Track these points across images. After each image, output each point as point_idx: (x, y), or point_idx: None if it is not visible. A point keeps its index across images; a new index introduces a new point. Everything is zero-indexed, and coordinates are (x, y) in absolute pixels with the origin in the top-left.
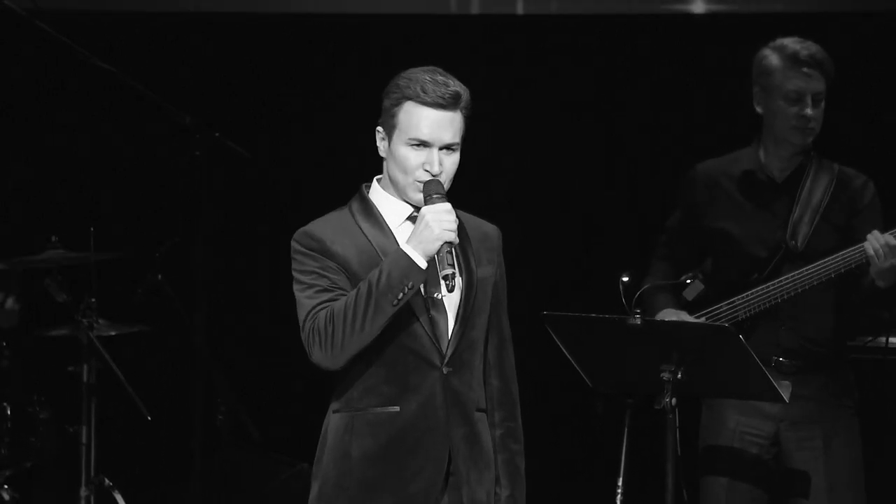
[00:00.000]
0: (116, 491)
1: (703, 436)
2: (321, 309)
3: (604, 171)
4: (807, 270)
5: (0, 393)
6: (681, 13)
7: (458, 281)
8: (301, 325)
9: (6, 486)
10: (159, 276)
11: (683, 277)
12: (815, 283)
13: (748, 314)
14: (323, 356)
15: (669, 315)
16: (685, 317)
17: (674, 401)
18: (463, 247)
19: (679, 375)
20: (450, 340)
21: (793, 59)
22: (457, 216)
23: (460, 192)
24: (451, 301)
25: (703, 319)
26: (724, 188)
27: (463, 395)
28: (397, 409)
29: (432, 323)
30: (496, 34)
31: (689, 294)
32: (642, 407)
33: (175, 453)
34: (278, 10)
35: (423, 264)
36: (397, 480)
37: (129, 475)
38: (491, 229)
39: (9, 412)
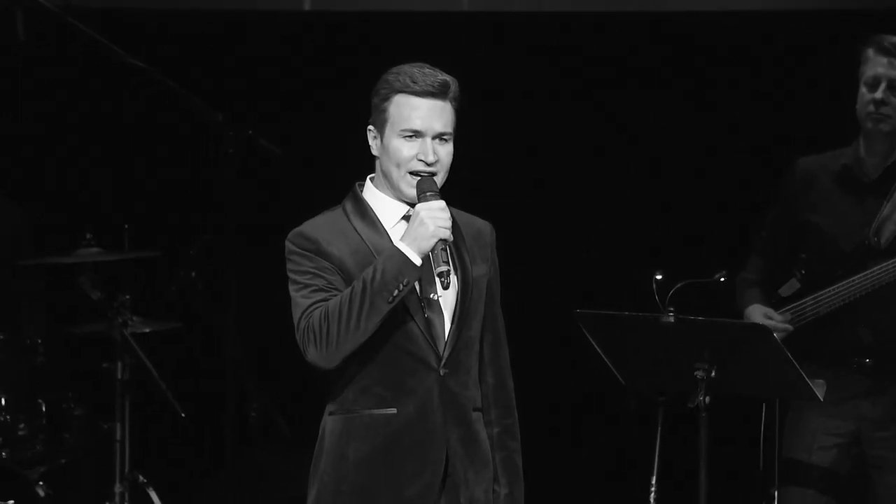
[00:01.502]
0: (150, 487)
1: (786, 444)
2: (315, 308)
3: (615, 168)
4: (887, 266)
5: (35, 390)
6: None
7: (453, 278)
8: (296, 324)
9: (41, 483)
10: (193, 274)
11: (717, 275)
12: (893, 278)
13: (829, 309)
14: (318, 355)
15: (756, 311)
16: (771, 313)
17: (707, 399)
18: (457, 245)
19: (713, 374)
20: (446, 342)
21: (878, 47)
22: (450, 213)
23: (483, 187)
24: (447, 302)
25: (788, 315)
26: (820, 182)
27: (460, 396)
28: (394, 410)
29: (428, 324)
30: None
31: (785, 291)
32: (675, 405)
33: (208, 450)
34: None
35: (417, 261)
36: (394, 483)
37: (163, 471)
38: (483, 225)
39: (44, 409)
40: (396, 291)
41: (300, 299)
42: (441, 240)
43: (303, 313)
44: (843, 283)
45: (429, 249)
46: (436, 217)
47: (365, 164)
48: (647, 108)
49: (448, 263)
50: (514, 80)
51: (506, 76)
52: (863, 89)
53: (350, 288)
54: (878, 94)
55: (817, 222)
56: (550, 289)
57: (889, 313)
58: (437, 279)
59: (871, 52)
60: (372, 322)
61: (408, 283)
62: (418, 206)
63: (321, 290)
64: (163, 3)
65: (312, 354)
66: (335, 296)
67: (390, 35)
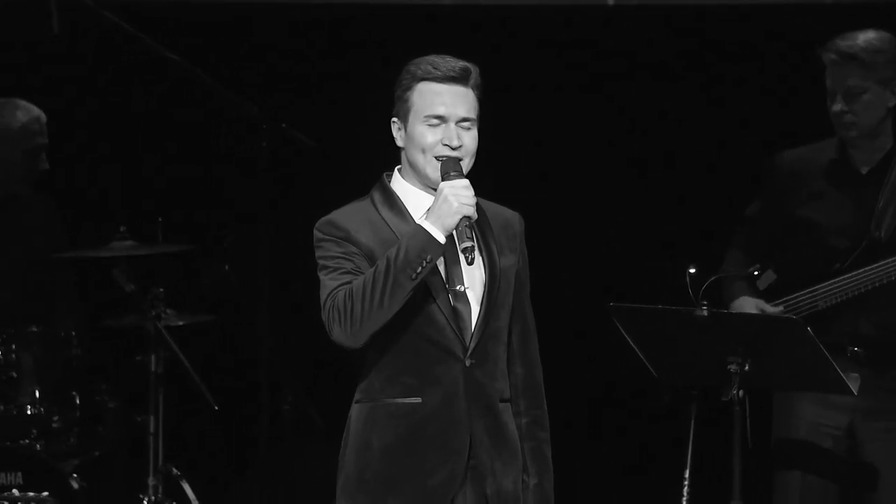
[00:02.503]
0: (184, 480)
1: (776, 428)
2: (341, 289)
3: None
4: (891, 262)
5: (69, 382)
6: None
7: (480, 266)
8: (322, 304)
9: (75, 475)
10: (226, 267)
11: (752, 269)
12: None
13: (828, 304)
14: (342, 333)
15: (747, 303)
16: (762, 304)
17: (741, 393)
18: (485, 235)
19: (746, 367)
20: (473, 333)
21: (827, 57)
22: (477, 202)
23: (508, 178)
24: (474, 293)
25: (781, 308)
26: (810, 176)
27: (486, 387)
28: (419, 400)
29: (455, 314)
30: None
31: (762, 283)
32: (709, 399)
33: (241, 443)
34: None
35: (441, 238)
36: (417, 472)
37: (197, 464)
38: (511, 216)
39: (77, 401)
40: (420, 268)
41: (328, 281)
42: (465, 217)
43: (329, 294)
44: (844, 277)
45: (453, 227)
46: (459, 194)
47: (384, 156)
48: (658, 101)
49: (472, 239)
50: (526, 75)
51: (520, 70)
52: (828, 99)
53: (374, 267)
54: (836, 107)
55: (811, 217)
56: (564, 282)
57: (891, 305)
58: (460, 255)
59: (824, 60)
60: (395, 300)
61: (431, 259)
62: (442, 184)
63: (349, 272)
64: None
65: (337, 333)
66: None
67: (397, 29)
